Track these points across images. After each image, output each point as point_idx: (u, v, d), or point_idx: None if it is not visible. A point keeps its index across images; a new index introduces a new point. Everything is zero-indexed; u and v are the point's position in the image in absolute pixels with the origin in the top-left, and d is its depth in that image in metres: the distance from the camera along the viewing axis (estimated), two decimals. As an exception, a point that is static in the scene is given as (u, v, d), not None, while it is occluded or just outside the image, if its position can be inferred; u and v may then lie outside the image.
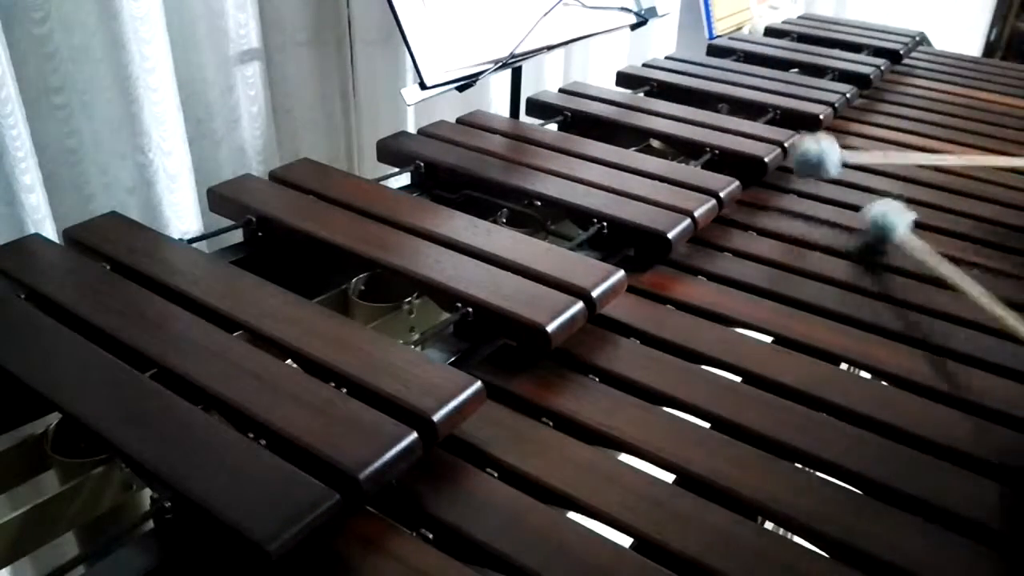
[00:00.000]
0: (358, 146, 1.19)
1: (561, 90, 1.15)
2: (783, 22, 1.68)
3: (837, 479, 0.53)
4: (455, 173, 0.87)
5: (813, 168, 0.90)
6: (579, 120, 1.06)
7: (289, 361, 0.54)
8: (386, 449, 0.45)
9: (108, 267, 0.64)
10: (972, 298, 0.69)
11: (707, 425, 0.57)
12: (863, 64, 1.34)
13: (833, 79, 1.28)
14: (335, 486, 0.43)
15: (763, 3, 1.87)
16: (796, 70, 1.33)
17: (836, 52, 1.42)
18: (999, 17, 3.60)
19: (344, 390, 0.51)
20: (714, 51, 1.44)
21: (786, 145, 0.96)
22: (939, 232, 0.86)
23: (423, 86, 0.87)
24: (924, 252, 0.76)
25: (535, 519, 0.47)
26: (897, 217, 0.80)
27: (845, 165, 0.92)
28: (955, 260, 0.75)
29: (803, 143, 0.91)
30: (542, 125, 1.06)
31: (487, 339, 0.63)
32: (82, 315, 0.57)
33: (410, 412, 0.49)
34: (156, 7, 0.83)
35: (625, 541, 0.47)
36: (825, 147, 0.90)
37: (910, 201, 0.83)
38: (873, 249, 0.80)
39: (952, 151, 1.08)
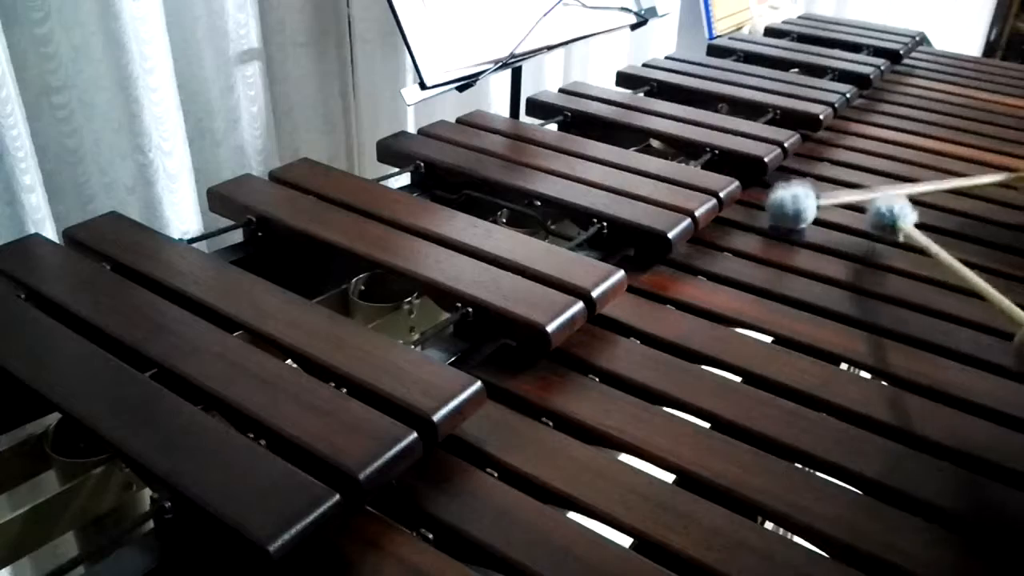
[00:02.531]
0: (358, 146, 1.19)
1: (561, 90, 1.15)
2: (783, 22, 1.68)
3: (837, 479, 0.53)
4: (455, 173, 0.87)
5: (790, 219, 0.84)
6: (579, 120, 1.06)
7: (289, 361, 0.54)
8: (386, 449, 0.45)
9: (108, 267, 0.64)
10: (979, 290, 0.68)
11: (707, 425, 0.57)
12: (863, 64, 1.34)
13: (833, 79, 1.28)
14: (335, 486, 0.43)
15: (763, 3, 1.87)
16: (796, 70, 1.33)
17: (836, 52, 1.42)
18: (999, 17, 3.60)
19: (344, 390, 0.51)
20: (714, 51, 1.44)
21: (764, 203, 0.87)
22: (937, 231, 0.86)
23: (423, 86, 0.87)
24: (926, 243, 0.77)
25: (535, 519, 0.47)
26: (902, 210, 0.81)
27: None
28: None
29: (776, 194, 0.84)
30: (542, 125, 1.06)
31: (487, 339, 0.63)
32: (82, 315, 0.57)
33: (410, 412, 0.49)
34: (156, 7, 0.83)
35: (625, 541, 0.47)
36: (800, 197, 0.84)
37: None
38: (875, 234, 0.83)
39: (954, 153, 1.08)
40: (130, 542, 0.44)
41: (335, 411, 0.48)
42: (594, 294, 0.63)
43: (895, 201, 0.82)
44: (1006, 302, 0.65)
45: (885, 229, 0.82)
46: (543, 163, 0.88)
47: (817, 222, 0.86)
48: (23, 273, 0.62)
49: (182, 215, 0.90)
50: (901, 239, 0.81)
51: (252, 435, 0.47)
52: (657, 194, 0.81)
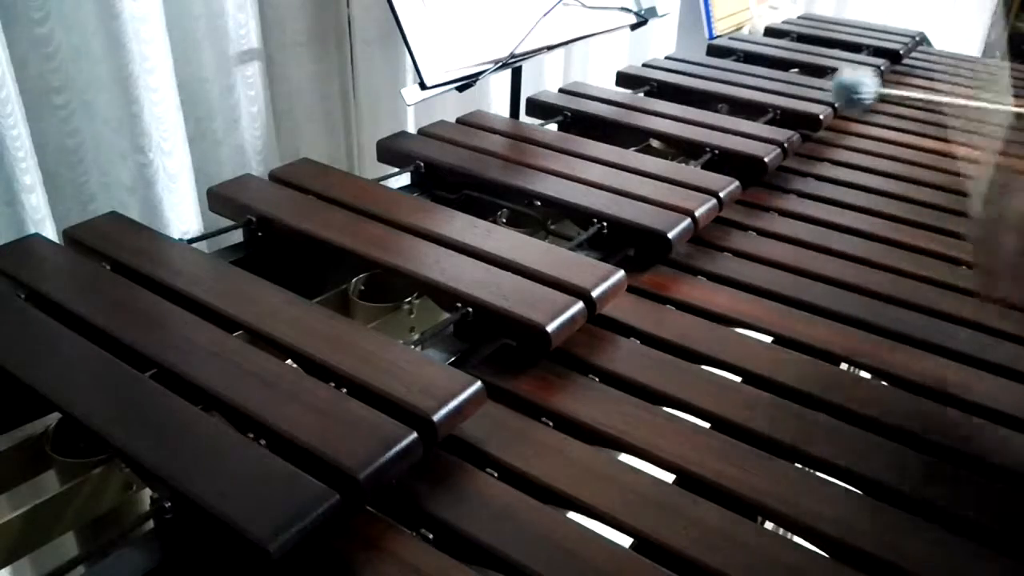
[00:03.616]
0: (358, 146, 1.19)
1: (561, 90, 1.15)
2: (783, 22, 1.68)
3: (837, 479, 0.53)
4: (455, 173, 0.87)
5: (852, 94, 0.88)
6: (579, 120, 1.06)
7: (289, 361, 0.54)
8: (386, 449, 0.45)
9: (108, 267, 0.64)
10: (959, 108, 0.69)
11: (707, 425, 0.57)
12: (863, 64, 1.34)
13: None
14: (335, 486, 0.43)
15: (763, 3, 1.87)
16: (796, 70, 1.33)
17: (836, 52, 1.42)
18: (999, 17, 3.60)
19: (344, 390, 0.51)
20: (714, 51, 1.44)
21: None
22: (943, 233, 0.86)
23: (423, 86, 0.87)
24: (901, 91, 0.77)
25: (535, 519, 0.47)
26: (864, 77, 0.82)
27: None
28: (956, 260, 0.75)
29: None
30: (542, 125, 1.06)
31: (487, 339, 0.63)
32: (82, 315, 0.57)
33: (410, 412, 0.49)
34: (156, 7, 0.83)
35: (625, 541, 0.47)
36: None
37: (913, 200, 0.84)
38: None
39: (954, 153, 1.08)
40: (130, 542, 0.44)
41: (335, 411, 0.48)
42: (594, 294, 0.63)
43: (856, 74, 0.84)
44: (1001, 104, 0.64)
45: (852, 100, 0.83)
46: (543, 163, 0.88)
47: (817, 221, 0.86)
48: (23, 273, 0.62)
49: (182, 215, 0.90)
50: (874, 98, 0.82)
51: (252, 435, 0.47)
52: (657, 194, 0.81)
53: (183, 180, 0.90)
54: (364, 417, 0.48)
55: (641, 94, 1.19)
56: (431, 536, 0.47)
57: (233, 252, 0.74)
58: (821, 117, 1.09)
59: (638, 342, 0.65)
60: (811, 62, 1.35)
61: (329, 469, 0.44)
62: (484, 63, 0.94)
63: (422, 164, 0.88)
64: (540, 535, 0.46)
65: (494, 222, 0.77)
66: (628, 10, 1.17)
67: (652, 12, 1.20)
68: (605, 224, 0.77)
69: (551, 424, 0.56)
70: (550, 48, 1.04)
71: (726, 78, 1.22)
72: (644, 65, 1.29)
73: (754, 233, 0.84)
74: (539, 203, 0.81)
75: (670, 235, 0.75)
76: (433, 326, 0.64)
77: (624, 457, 0.54)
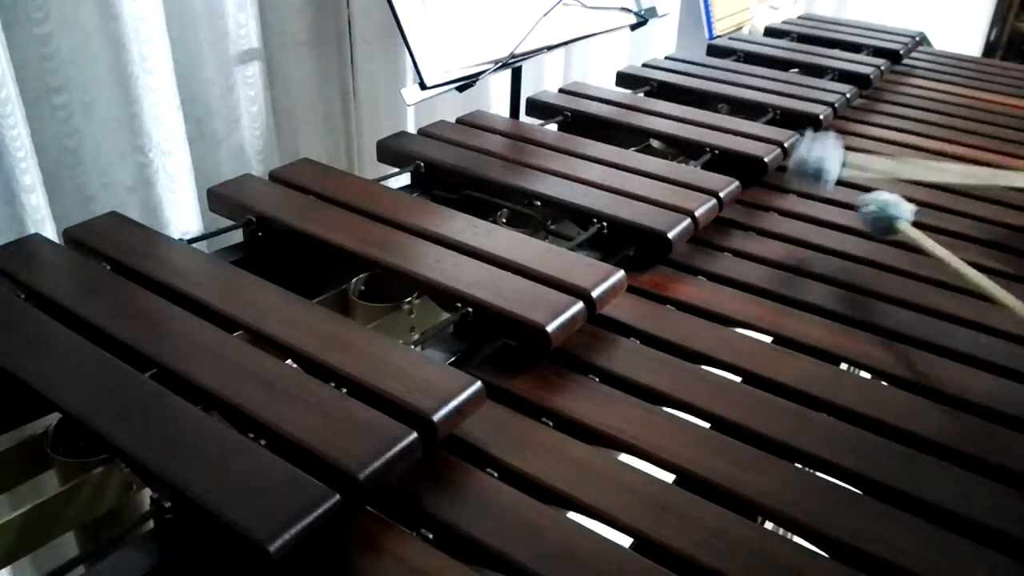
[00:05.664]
0: (358, 146, 1.19)
1: (561, 90, 1.15)
2: (783, 22, 1.68)
3: (837, 479, 0.53)
4: (455, 173, 0.87)
5: (812, 175, 0.84)
6: (579, 120, 1.06)
7: (289, 361, 0.54)
8: (386, 449, 0.45)
9: (108, 267, 0.64)
10: (972, 282, 0.69)
11: (707, 425, 0.57)
12: (863, 64, 1.34)
13: (833, 79, 1.28)
14: (335, 486, 0.43)
15: (763, 3, 1.87)
16: (796, 70, 1.33)
17: (836, 52, 1.42)
18: (999, 17, 3.61)
19: (344, 390, 0.51)
20: (714, 51, 1.44)
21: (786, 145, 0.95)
22: (938, 231, 0.86)
23: (423, 86, 0.87)
24: (923, 241, 0.76)
25: (535, 519, 0.47)
26: (897, 208, 0.79)
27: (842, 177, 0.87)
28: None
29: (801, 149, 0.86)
30: (542, 125, 1.06)
31: (487, 339, 0.63)
32: (82, 315, 0.57)
33: (410, 412, 0.49)
34: (156, 7, 0.83)
35: (625, 541, 0.47)
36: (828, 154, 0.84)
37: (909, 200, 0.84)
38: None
39: (954, 154, 1.08)
40: (130, 542, 0.44)
41: (335, 411, 0.48)
42: (594, 294, 0.63)
43: (891, 199, 0.80)
44: (1011, 298, 0.65)
45: (881, 227, 0.81)
46: (543, 163, 0.88)
47: (817, 221, 0.86)
48: (23, 273, 0.62)
49: (182, 215, 0.90)
50: (899, 237, 0.81)
51: (252, 435, 0.47)
52: (657, 194, 0.81)
53: (183, 180, 0.90)
54: (364, 417, 0.48)
55: (641, 94, 1.19)
56: (431, 536, 0.47)
57: (233, 252, 0.74)
58: (821, 117, 1.09)
59: (638, 342, 0.65)
60: (811, 62, 1.35)
61: (329, 469, 0.44)
62: (484, 63, 0.94)
63: (422, 164, 0.88)
64: (540, 535, 0.46)
65: (494, 222, 0.77)
66: (628, 10, 1.17)
67: (652, 12, 1.20)
68: (605, 224, 0.77)
69: (551, 424, 0.56)
70: (550, 48, 1.04)
71: (726, 78, 1.22)
72: (644, 65, 1.29)
73: (754, 233, 0.84)
74: (539, 203, 0.81)
75: (670, 235, 0.75)
76: (433, 326, 0.64)
77: (624, 457, 0.54)
